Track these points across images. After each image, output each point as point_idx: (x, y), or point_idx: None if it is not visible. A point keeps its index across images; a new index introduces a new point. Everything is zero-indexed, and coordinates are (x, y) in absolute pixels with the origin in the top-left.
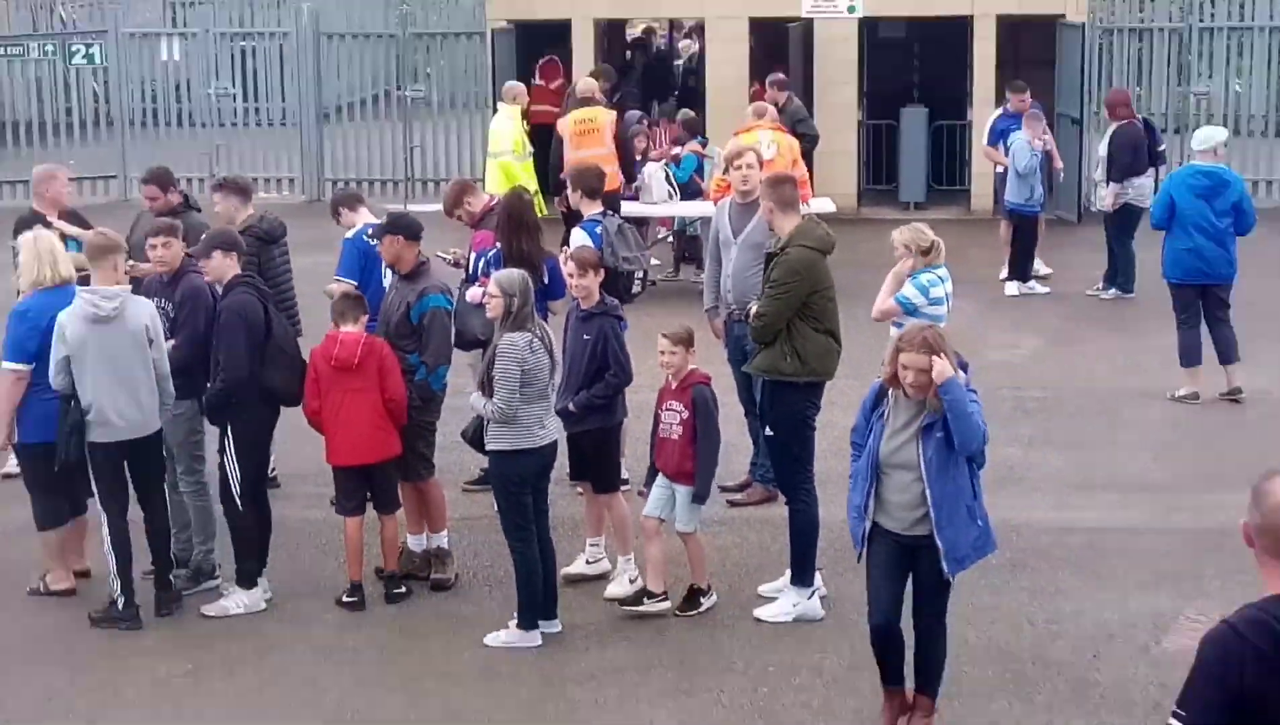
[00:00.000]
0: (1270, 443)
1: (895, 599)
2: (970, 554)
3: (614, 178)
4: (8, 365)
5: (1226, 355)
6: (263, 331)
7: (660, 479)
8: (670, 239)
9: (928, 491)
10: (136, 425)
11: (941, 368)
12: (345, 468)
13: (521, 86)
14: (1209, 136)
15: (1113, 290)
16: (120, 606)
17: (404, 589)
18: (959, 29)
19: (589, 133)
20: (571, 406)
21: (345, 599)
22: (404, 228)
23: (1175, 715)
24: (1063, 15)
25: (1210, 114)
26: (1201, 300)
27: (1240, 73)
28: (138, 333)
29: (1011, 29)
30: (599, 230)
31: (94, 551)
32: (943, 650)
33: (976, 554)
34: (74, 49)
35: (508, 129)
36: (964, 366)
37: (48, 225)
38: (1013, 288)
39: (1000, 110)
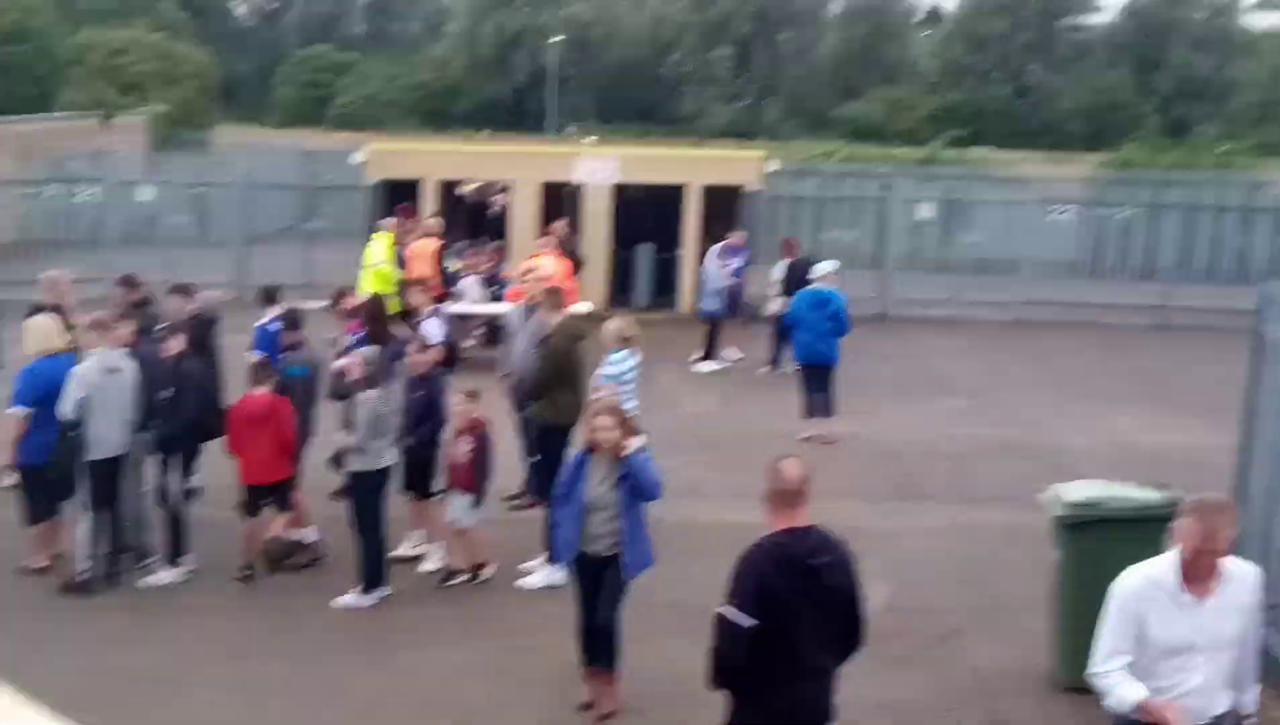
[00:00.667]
0: (846, 464)
1: (595, 602)
2: (639, 565)
3: (437, 287)
4: (17, 409)
5: (829, 412)
6: (201, 389)
7: (455, 491)
8: (483, 328)
9: (621, 523)
10: (122, 446)
11: (628, 444)
12: (252, 485)
13: (390, 221)
14: (822, 268)
15: (764, 368)
16: (84, 578)
17: (253, 571)
18: (676, 193)
19: (417, 257)
20: (412, 441)
21: (240, 574)
22: (287, 320)
23: (728, 602)
24: (743, 186)
25: (834, 253)
26: (815, 375)
27: (853, 226)
28: (129, 383)
29: (711, 194)
30: (440, 320)
31: (64, 541)
32: (619, 636)
33: (642, 566)
34: (77, 191)
35: (379, 249)
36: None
37: (53, 311)
38: (704, 366)
39: (721, 245)
